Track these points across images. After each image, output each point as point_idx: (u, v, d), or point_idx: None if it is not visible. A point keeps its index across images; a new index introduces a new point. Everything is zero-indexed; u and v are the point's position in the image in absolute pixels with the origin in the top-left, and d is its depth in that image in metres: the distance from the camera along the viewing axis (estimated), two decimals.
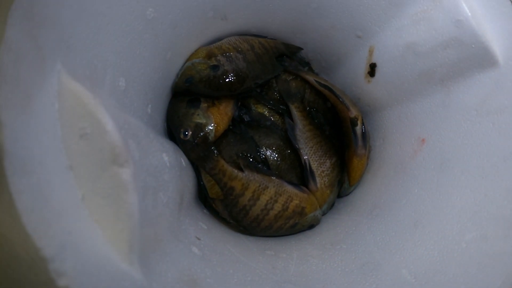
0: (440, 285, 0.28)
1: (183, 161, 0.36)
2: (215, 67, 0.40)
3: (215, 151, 0.39)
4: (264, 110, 0.44)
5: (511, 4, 0.34)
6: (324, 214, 0.43)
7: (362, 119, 0.42)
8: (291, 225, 0.39)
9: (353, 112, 0.41)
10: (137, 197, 0.18)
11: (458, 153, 0.36)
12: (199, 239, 0.29)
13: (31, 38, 0.18)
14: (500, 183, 0.32)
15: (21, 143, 0.15)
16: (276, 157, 0.41)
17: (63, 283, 0.13)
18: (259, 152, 0.41)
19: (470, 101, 0.36)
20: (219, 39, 0.44)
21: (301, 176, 0.42)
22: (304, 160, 0.40)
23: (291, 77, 0.45)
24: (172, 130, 0.40)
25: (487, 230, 0.30)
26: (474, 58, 0.35)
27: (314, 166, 0.40)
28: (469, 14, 0.33)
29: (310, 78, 0.44)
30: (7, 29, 0.17)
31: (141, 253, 0.18)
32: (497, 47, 0.34)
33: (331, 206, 0.44)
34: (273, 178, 0.38)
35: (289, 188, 0.38)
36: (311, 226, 0.41)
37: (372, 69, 0.42)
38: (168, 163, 0.28)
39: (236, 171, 0.38)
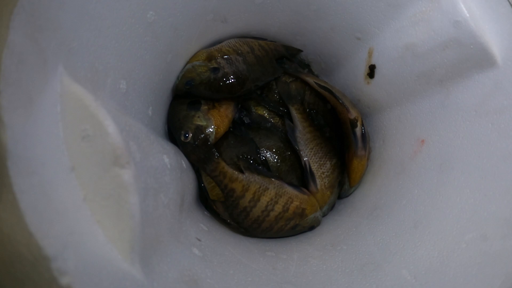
0: (440, 285, 0.28)
1: (184, 163, 0.36)
2: (215, 70, 0.40)
3: (216, 153, 0.39)
4: (264, 112, 0.44)
5: (510, 5, 0.35)
6: (324, 215, 0.44)
7: (362, 121, 0.42)
8: (291, 227, 0.39)
9: (353, 114, 0.41)
10: (138, 198, 0.18)
11: (458, 154, 0.36)
12: (199, 240, 0.30)
13: (33, 41, 0.18)
14: (499, 183, 0.32)
15: (24, 144, 0.15)
16: (276, 158, 0.41)
17: (65, 281, 0.13)
18: (260, 153, 0.41)
19: (469, 102, 0.36)
20: (220, 41, 0.44)
21: (302, 177, 0.42)
22: (304, 161, 0.41)
23: (291, 79, 0.45)
24: (173, 132, 0.40)
25: (486, 230, 0.31)
26: (473, 58, 0.35)
27: (314, 167, 0.41)
28: (467, 15, 0.34)
29: (310, 80, 0.44)
30: (10, 32, 0.17)
31: (142, 253, 0.18)
32: (496, 47, 0.34)
33: (332, 207, 0.44)
34: (273, 179, 0.38)
35: (290, 190, 0.38)
36: (311, 228, 0.41)
37: (371, 71, 0.42)
38: (169, 165, 0.28)
39: (236, 173, 0.38)
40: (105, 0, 0.24)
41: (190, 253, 0.26)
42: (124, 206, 0.18)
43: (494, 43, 0.34)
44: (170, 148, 0.33)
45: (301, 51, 0.48)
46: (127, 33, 0.28)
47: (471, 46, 0.34)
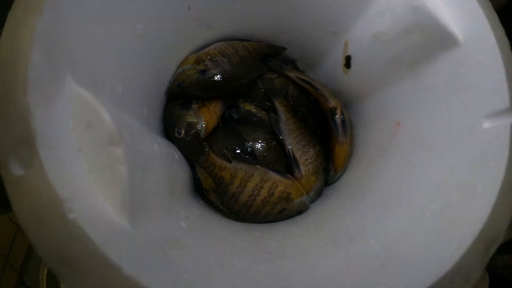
0: (401, 250, 0.34)
1: (177, 155, 0.45)
2: (203, 72, 0.49)
3: (206, 146, 0.48)
4: (251, 107, 0.52)
5: None
6: (313, 201, 0.50)
7: (342, 109, 0.49)
8: (278, 211, 0.46)
9: (332, 103, 0.48)
10: (126, 167, 0.26)
11: (429, 131, 0.42)
12: (188, 218, 0.38)
13: (48, 58, 0.27)
14: (464, 154, 0.38)
15: (46, 128, 0.24)
16: (263, 148, 0.49)
17: (72, 216, 0.21)
18: (246, 145, 0.49)
19: (437, 81, 0.42)
20: (207, 45, 0.53)
21: (288, 165, 0.49)
22: (288, 149, 0.48)
23: (275, 76, 0.53)
24: (169, 131, 0.49)
25: (450, 199, 0.36)
26: (436, 40, 0.40)
27: (297, 155, 0.48)
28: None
29: (292, 74, 0.52)
30: (32, 53, 0.26)
31: (131, 213, 0.27)
32: (456, 27, 0.38)
33: (319, 193, 0.51)
34: (258, 166, 0.46)
35: (274, 175, 0.46)
36: (299, 212, 0.48)
37: (347, 61, 0.49)
38: (159, 152, 0.37)
39: (225, 162, 0.46)
40: (99, 20, 0.33)
41: (177, 224, 0.34)
42: (116, 173, 0.26)
43: (454, 23, 0.38)
44: (162, 141, 0.42)
45: (286, 48, 0.56)
46: (120, 45, 0.37)
47: (432, 29, 0.39)
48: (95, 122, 0.28)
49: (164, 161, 0.38)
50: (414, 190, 0.39)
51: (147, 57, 0.43)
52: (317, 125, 0.53)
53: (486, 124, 0.36)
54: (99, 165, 0.26)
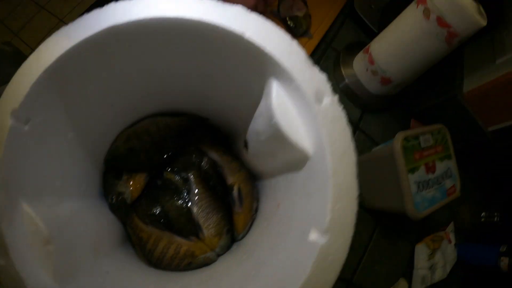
0: None
1: (107, 222, 0.84)
2: (130, 149, 0.86)
3: (132, 210, 0.86)
4: (172, 176, 0.89)
5: (316, 104, 0.56)
6: (220, 255, 0.87)
7: (240, 184, 0.84)
8: (186, 264, 0.84)
9: (230, 180, 0.83)
10: (56, 256, 0.66)
11: (290, 221, 0.76)
12: (108, 272, 0.77)
13: (7, 194, 0.67)
14: (293, 252, 0.68)
15: (12, 239, 0.64)
16: (176, 213, 0.86)
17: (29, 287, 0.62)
18: (163, 210, 0.86)
19: (299, 181, 0.75)
20: (138, 121, 0.89)
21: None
22: (193, 215, 0.85)
23: (192, 148, 0.89)
24: (105, 197, 0.88)
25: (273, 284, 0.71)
26: (292, 152, 0.73)
27: (201, 221, 0.84)
28: (278, 118, 0.59)
29: (205, 149, 0.87)
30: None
31: (61, 280, 0.66)
32: (306, 142, 0.55)
33: (227, 248, 0.88)
34: (166, 232, 0.84)
35: (178, 239, 0.83)
36: (206, 264, 0.86)
37: (246, 144, 0.83)
38: (84, 233, 0.76)
39: (144, 225, 0.85)
40: (37, 146, 0.71)
41: (95, 280, 0.74)
42: (50, 260, 0.66)
43: (304, 139, 0.55)
44: (89, 218, 0.81)
45: (207, 119, 0.91)
46: (54, 155, 0.75)
47: (287, 143, 0.61)
48: (36, 230, 0.67)
49: (89, 235, 0.77)
50: (267, 267, 0.75)
51: (81, 151, 0.80)
52: (225, 193, 0.88)
53: (310, 237, 0.52)
54: (41, 256, 0.66)
